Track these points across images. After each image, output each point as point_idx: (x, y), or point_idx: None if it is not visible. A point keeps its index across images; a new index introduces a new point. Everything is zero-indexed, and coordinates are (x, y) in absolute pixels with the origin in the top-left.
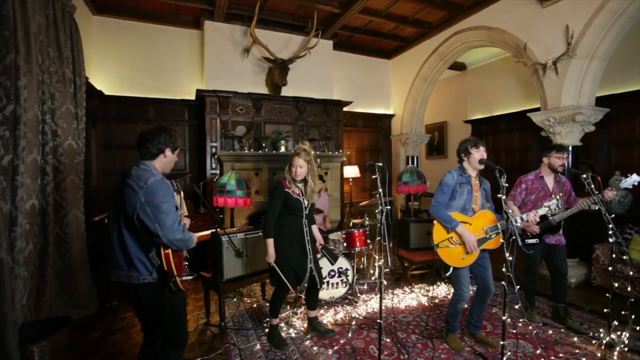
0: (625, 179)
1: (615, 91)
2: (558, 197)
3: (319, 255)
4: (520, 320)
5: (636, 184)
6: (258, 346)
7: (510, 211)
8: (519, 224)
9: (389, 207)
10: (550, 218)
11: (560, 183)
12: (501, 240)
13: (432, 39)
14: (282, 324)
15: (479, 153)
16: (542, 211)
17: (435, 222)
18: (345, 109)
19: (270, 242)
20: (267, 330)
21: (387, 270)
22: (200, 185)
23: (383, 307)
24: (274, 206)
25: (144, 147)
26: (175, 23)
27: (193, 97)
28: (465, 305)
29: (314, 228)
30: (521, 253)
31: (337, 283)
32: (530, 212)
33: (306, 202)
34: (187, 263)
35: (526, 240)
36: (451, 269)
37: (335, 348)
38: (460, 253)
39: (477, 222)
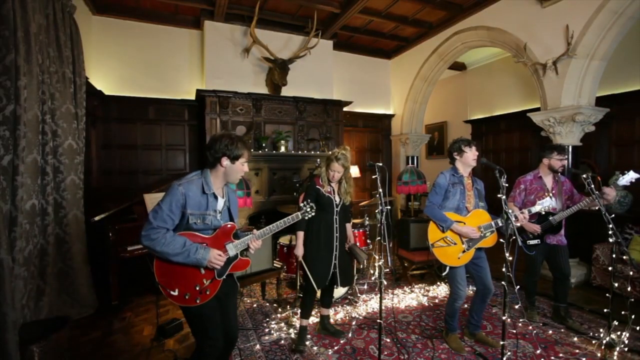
0: (622, 177)
1: (615, 91)
2: (551, 195)
3: None
4: (520, 320)
5: (633, 180)
6: (258, 346)
7: (510, 211)
8: (516, 223)
9: (389, 207)
10: (551, 218)
11: (559, 182)
12: (501, 240)
13: (432, 39)
14: (283, 324)
15: (472, 152)
16: (535, 209)
17: (430, 222)
18: (345, 109)
19: (301, 234)
20: (267, 330)
21: (387, 270)
22: None
23: (383, 307)
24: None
25: (206, 154)
26: (175, 23)
27: (193, 97)
28: (465, 305)
29: (348, 226)
30: (522, 253)
31: None
32: (523, 210)
33: (337, 200)
34: (206, 281)
35: (528, 241)
36: (447, 268)
37: (336, 348)
38: (456, 252)
39: (472, 221)
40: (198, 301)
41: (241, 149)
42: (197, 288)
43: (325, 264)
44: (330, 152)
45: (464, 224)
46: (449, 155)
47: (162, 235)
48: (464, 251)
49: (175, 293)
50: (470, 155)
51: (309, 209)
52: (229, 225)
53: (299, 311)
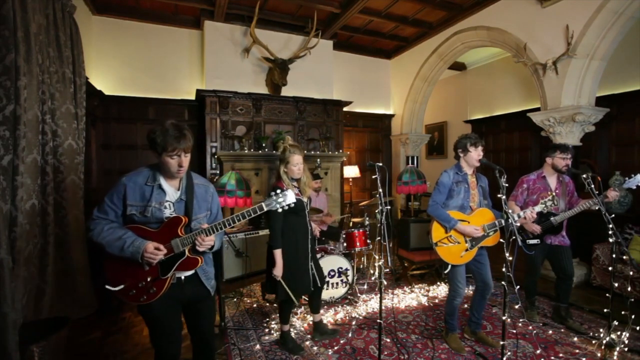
0: (629, 179)
1: (615, 91)
2: (554, 194)
3: (319, 255)
4: (520, 320)
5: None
6: (258, 346)
7: (510, 211)
8: (517, 222)
9: (389, 207)
10: (552, 219)
11: (563, 183)
12: (501, 239)
13: (432, 39)
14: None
15: (477, 152)
16: (538, 208)
17: (433, 221)
18: (345, 109)
19: (279, 253)
20: (267, 330)
21: (387, 270)
22: None
23: (383, 307)
24: (280, 214)
25: None
26: (175, 23)
27: (193, 97)
28: (465, 305)
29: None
30: (522, 253)
31: (337, 283)
32: (527, 209)
33: (305, 199)
34: (150, 278)
35: (527, 241)
36: (449, 266)
37: (335, 348)
38: (459, 251)
39: (475, 220)
40: (142, 299)
41: (167, 139)
42: (141, 285)
43: (305, 273)
44: (280, 151)
45: (468, 222)
46: (454, 151)
47: (101, 225)
48: (467, 250)
49: (117, 289)
50: (475, 156)
51: (281, 199)
52: (176, 219)
53: (298, 311)
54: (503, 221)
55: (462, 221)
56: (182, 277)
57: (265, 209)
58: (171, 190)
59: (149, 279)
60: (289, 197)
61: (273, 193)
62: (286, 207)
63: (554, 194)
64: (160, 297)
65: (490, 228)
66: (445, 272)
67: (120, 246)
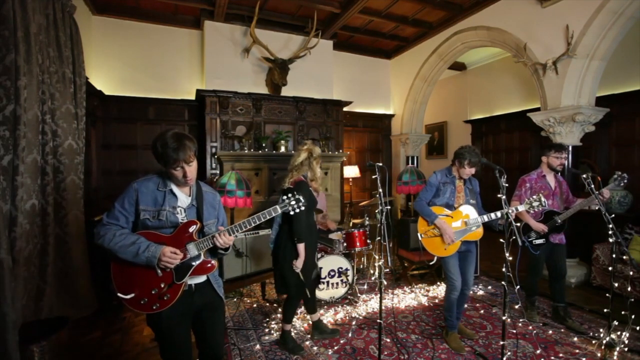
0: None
1: (615, 91)
2: (540, 193)
3: (319, 255)
4: (520, 320)
5: None
6: (258, 346)
7: (510, 211)
8: (500, 222)
9: (389, 207)
10: (556, 217)
11: (559, 182)
12: (500, 240)
13: (432, 39)
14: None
15: (469, 171)
16: (522, 207)
17: (419, 216)
18: (345, 109)
19: (302, 247)
20: (267, 330)
21: (387, 270)
22: None
23: (383, 307)
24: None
25: None
26: (175, 23)
27: (193, 97)
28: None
29: None
30: (524, 253)
31: (337, 283)
32: (512, 207)
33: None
34: (163, 285)
35: (534, 241)
36: (435, 258)
37: (335, 348)
38: (443, 243)
39: (457, 215)
40: (155, 307)
41: (167, 152)
42: (154, 292)
43: (312, 267)
44: (307, 148)
45: (452, 217)
46: (454, 157)
47: (112, 231)
48: (448, 243)
49: (128, 297)
50: (465, 173)
51: (294, 203)
52: (191, 223)
53: (298, 311)
54: (486, 217)
55: (445, 216)
56: (193, 285)
57: (280, 211)
58: (183, 196)
59: (162, 285)
60: (302, 200)
61: (285, 197)
62: (297, 211)
63: (540, 193)
64: (172, 305)
65: (472, 224)
66: (431, 263)
67: (134, 252)
